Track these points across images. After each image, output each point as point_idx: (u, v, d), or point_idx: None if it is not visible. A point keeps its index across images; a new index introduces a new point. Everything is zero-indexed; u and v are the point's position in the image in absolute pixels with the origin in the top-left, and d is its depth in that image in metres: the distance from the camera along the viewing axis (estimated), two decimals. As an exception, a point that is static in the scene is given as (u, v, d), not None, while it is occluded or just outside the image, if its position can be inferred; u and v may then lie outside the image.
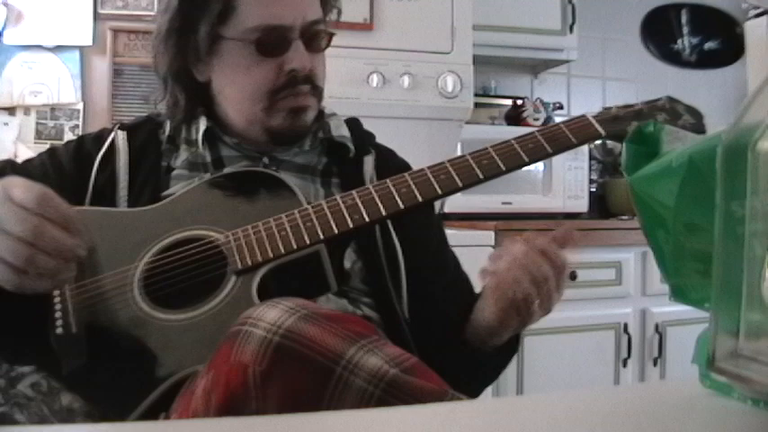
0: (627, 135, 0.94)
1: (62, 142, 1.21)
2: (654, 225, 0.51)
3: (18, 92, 2.12)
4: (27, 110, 2.13)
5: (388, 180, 0.88)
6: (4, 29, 2.09)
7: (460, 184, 0.87)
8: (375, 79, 2.02)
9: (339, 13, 1.06)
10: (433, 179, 0.87)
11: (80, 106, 2.16)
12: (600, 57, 2.96)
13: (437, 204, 2.15)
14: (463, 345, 0.95)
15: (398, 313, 0.96)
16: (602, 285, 2.22)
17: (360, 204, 0.85)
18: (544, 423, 0.44)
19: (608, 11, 2.92)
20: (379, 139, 1.14)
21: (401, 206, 0.85)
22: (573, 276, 2.17)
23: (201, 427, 0.54)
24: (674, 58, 3.09)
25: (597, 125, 0.92)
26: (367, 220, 0.85)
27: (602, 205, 2.66)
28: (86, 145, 1.02)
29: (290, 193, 0.89)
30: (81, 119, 2.15)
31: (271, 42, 0.96)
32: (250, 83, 0.97)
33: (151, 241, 0.87)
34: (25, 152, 2.06)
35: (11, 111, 2.12)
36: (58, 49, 2.14)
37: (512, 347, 0.98)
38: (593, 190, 2.61)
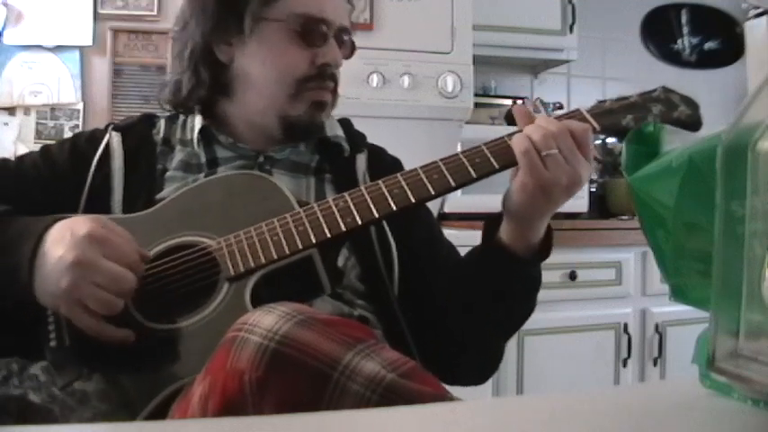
0: (621, 127, 0.94)
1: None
2: (654, 225, 0.51)
3: (18, 92, 2.12)
4: (27, 110, 2.13)
5: (380, 181, 0.86)
6: (4, 29, 2.09)
7: (453, 184, 0.85)
8: (375, 79, 2.02)
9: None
10: (425, 179, 0.85)
11: (80, 106, 2.15)
12: (600, 57, 2.96)
13: (437, 204, 2.16)
14: (498, 251, 0.93)
15: (396, 311, 0.95)
16: (602, 285, 2.22)
17: (352, 207, 0.84)
18: (544, 423, 0.44)
19: (608, 11, 2.92)
20: (379, 139, 1.14)
21: (393, 208, 0.84)
22: (573, 276, 2.17)
23: (201, 428, 0.54)
24: (674, 58, 3.08)
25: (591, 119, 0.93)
26: (360, 223, 0.83)
27: (602, 205, 2.65)
28: (81, 145, 1.01)
29: (282, 196, 0.88)
30: (81, 119, 2.15)
31: (313, 33, 0.97)
32: (282, 66, 0.98)
33: None
34: (25, 152, 2.06)
35: (11, 111, 2.12)
36: (58, 49, 2.14)
37: (547, 247, 0.98)
38: (593, 190, 2.61)
